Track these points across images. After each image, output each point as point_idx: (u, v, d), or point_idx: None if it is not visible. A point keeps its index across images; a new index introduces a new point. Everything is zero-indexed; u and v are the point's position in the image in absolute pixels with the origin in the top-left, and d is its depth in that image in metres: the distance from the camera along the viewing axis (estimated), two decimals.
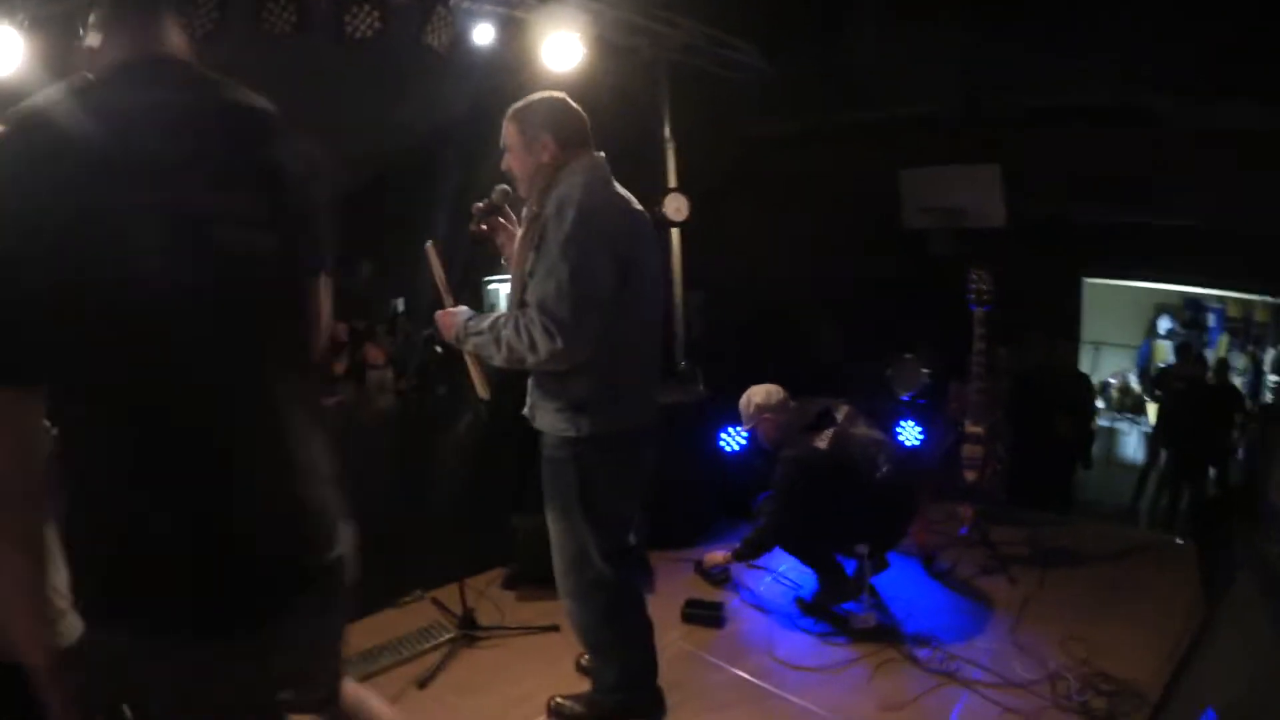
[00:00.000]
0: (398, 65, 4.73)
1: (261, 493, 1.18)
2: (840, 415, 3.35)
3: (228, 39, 3.52)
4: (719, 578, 3.67)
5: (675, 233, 5.01)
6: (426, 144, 7.68)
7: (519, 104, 2.31)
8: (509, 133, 2.30)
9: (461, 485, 3.88)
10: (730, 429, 4.36)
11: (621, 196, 2.31)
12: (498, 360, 2.23)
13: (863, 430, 3.34)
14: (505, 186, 2.42)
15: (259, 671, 1.19)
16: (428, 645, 3.23)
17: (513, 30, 4.23)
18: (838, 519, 3.17)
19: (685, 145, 5.10)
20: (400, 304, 11.05)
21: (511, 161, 2.32)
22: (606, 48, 4.54)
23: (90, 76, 1.15)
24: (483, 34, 4.10)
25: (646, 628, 2.52)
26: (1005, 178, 5.71)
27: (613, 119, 5.65)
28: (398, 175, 8.43)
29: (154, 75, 1.16)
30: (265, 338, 1.21)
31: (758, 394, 3.45)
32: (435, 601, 3.60)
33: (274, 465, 1.20)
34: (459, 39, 4.01)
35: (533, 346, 2.09)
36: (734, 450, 4.41)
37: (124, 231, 1.03)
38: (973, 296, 3.70)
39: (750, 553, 3.38)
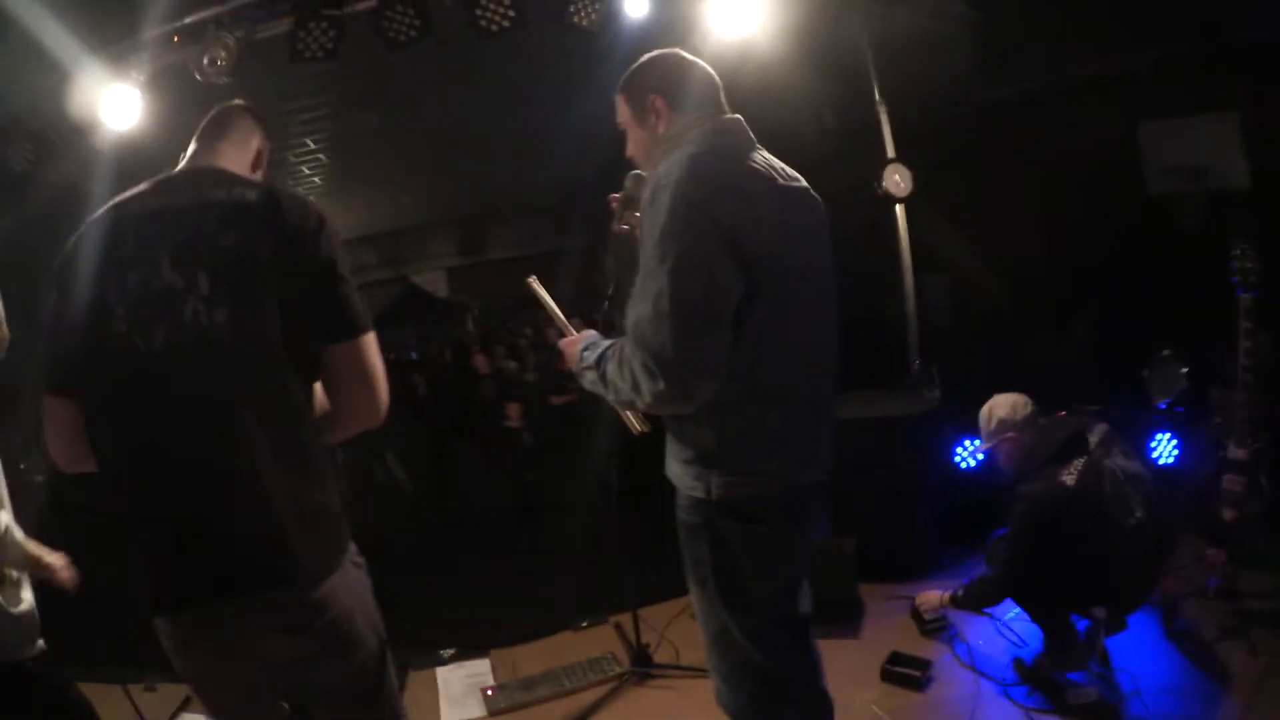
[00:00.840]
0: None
1: (221, 510, 1.41)
2: (1094, 439, 2.72)
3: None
4: (933, 627, 3.19)
5: (900, 210, 4.33)
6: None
7: (628, 71, 1.92)
8: (620, 107, 1.92)
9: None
10: (966, 441, 3.77)
11: (762, 171, 1.73)
12: (612, 401, 1.77)
13: (1119, 461, 2.69)
14: (639, 172, 1.95)
15: (219, 645, 1.46)
16: (594, 678, 3.07)
17: None
18: (1076, 574, 2.60)
19: (899, 111, 4.40)
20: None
21: (631, 143, 1.94)
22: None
23: (155, 179, 1.56)
24: (635, 6, 3.63)
25: (814, 715, 1.95)
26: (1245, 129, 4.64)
27: (810, 86, 5.16)
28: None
29: (182, 182, 1.58)
30: (238, 391, 1.41)
31: (1001, 406, 2.85)
32: (618, 628, 3.41)
33: (235, 494, 1.40)
34: (611, 14, 3.62)
35: (636, 387, 1.60)
36: (971, 467, 3.79)
37: (110, 300, 1.42)
38: (1238, 279, 2.90)
39: (972, 603, 2.90)
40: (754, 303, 1.60)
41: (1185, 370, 3.51)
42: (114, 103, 3.89)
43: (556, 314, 2.11)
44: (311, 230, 1.48)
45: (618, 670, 3.08)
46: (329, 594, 1.46)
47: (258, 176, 1.71)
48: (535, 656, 3.24)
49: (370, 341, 1.52)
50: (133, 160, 3.93)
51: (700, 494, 1.71)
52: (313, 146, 9.79)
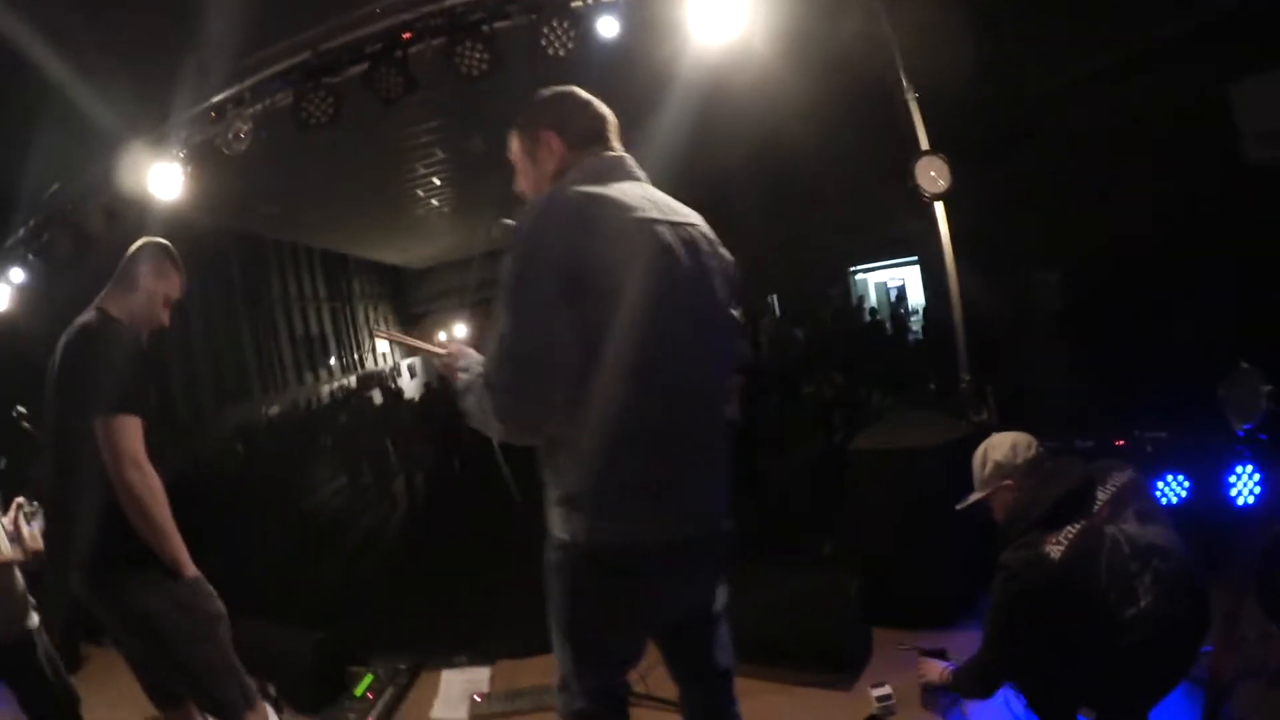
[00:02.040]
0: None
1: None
2: (1103, 496, 2.21)
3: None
4: (930, 700, 2.82)
5: (939, 207, 3.84)
6: None
7: (526, 106, 1.91)
8: (512, 142, 1.90)
9: None
10: None
11: (631, 208, 1.65)
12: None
13: (1129, 528, 2.16)
14: (508, 221, 1.79)
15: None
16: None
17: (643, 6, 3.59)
18: (1063, 669, 2.13)
19: (938, 97, 3.94)
20: (773, 303, 10.68)
21: (521, 181, 1.90)
22: None
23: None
24: (606, 26, 3.53)
25: None
26: None
27: (833, 77, 4.73)
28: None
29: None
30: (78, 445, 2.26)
31: (999, 448, 2.41)
32: None
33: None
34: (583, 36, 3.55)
35: (486, 423, 1.66)
36: None
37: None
38: None
39: (969, 687, 2.51)
40: (613, 343, 1.56)
41: (1270, 389, 2.83)
42: (159, 178, 4.22)
43: (421, 346, 2.12)
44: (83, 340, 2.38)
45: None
46: None
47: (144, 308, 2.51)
48: (535, 670, 3.38)
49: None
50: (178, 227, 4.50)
51: (566, 537, 1.65)
52: (422, 171, 10.31)
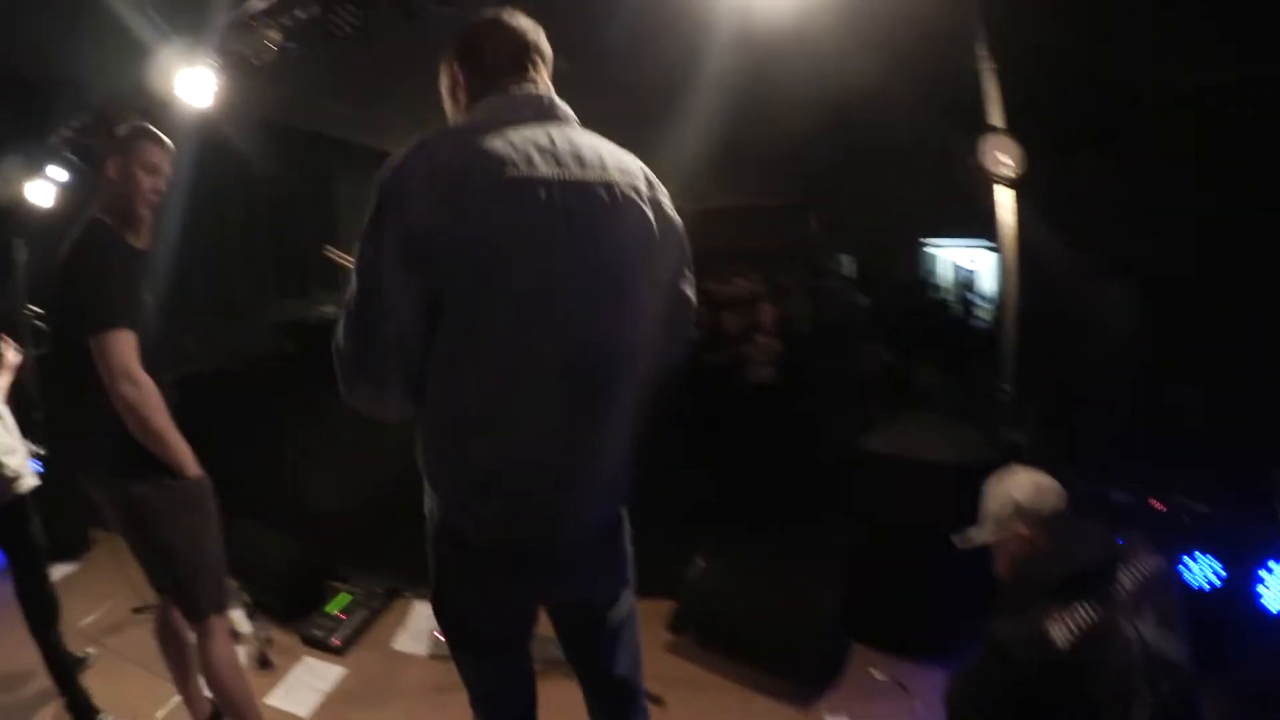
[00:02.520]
0: None
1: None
2: (1127, 583, 1.86)
3: None
4: None
5: (1007, 194, 3.42)
6: None
7: None
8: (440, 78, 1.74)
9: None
10: None
11: (514, 158, 1.44)
12: None
13: (1148, 629, 1.81)
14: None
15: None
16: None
17: None
18: None
19: (1023, 71, 3.43)
20: (846, 262, 10.20)
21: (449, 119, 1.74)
22: None
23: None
24: None
25: None
26: None
27: (920, 36, 4.24)
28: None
29: None
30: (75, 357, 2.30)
31: (1023, 487, 2.13)
32: None
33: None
34: None
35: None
36: None
37: None
38: None
39: None
40: (453, 318, 1.43)
41: None
42: (191, 83, 4.15)
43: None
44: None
45: (557, 656, 2.93)
46: None
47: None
48: None
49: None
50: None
51: (426, 510, 1.66)
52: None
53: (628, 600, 1.80)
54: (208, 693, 2.76)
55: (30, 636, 3.15)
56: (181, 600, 2.60)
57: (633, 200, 1.54)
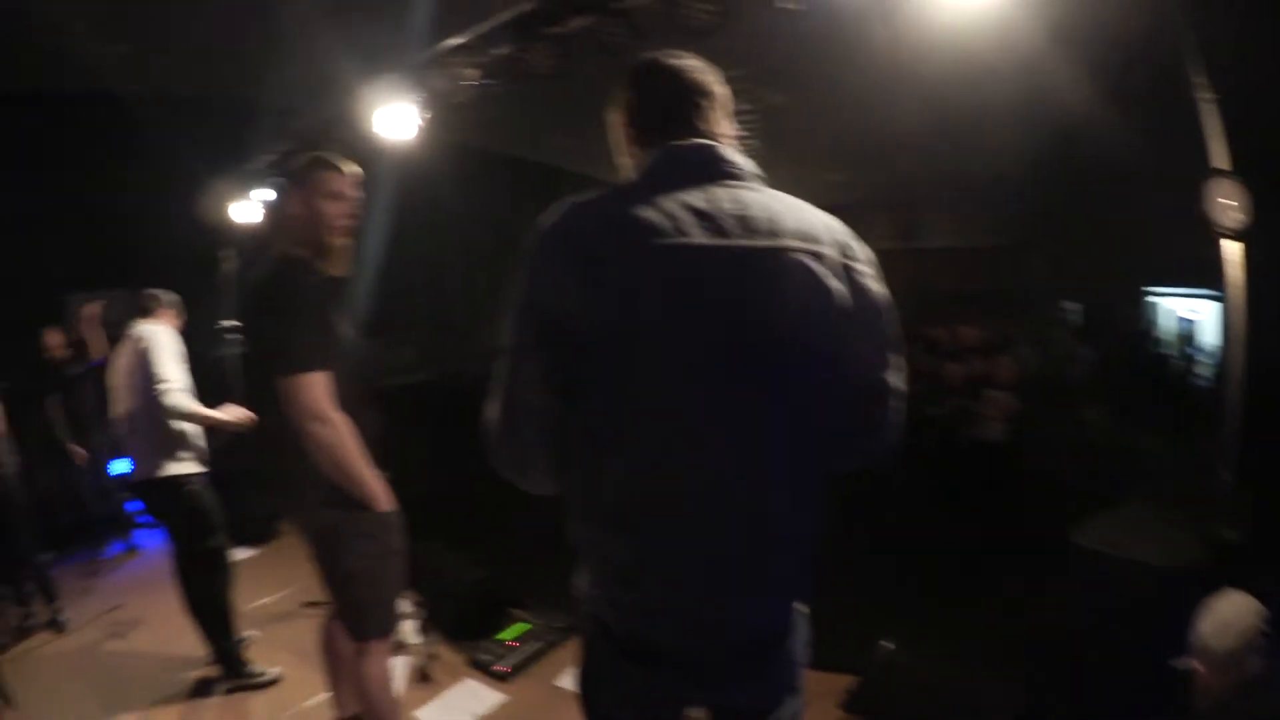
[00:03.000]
0: None
1: None
2: None
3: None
4: None
5: (1235, 247, 3.02)
6: None
7: None
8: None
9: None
10: None
11: (651, 228, 1.32)
12: None
13: None
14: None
15: None
16: None
17: None
18: None
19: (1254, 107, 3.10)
20: (1070, 309, 9.73)
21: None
22: None
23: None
24: None
25: None
26: None
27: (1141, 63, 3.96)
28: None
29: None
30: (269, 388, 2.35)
31: (1236, 612, 1.95)
32: None
33: None
34: None
35: None
36: None
37: None
38: None
39: None
40: (592, 403, 1.34)
41: None
42: (392, 117, 4.52)
43: None
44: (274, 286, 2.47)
45: None
46: None
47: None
48: None
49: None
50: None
51: (576, 585, 1.54)
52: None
53: (791, 707, 1.58)
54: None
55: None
56: (349, 620, 2.67)
57: (810, 270, 1.35)
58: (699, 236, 1.32)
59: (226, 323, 6.34)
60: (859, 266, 1.42)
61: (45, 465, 6.12)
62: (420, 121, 4.54)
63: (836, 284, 1.38)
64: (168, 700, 3.76)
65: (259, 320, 2.50)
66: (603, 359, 1.31)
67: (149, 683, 3.92)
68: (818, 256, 1.37)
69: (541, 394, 1.35)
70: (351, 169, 2.60)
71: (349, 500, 2.45)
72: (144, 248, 6.80)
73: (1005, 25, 3.42)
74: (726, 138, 1.50)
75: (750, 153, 1.50)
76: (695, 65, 1.51)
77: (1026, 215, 10.02)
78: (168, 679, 3.94)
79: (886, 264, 1.49)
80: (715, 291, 1.31)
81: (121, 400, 3.83)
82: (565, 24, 3.78)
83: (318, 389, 2.33)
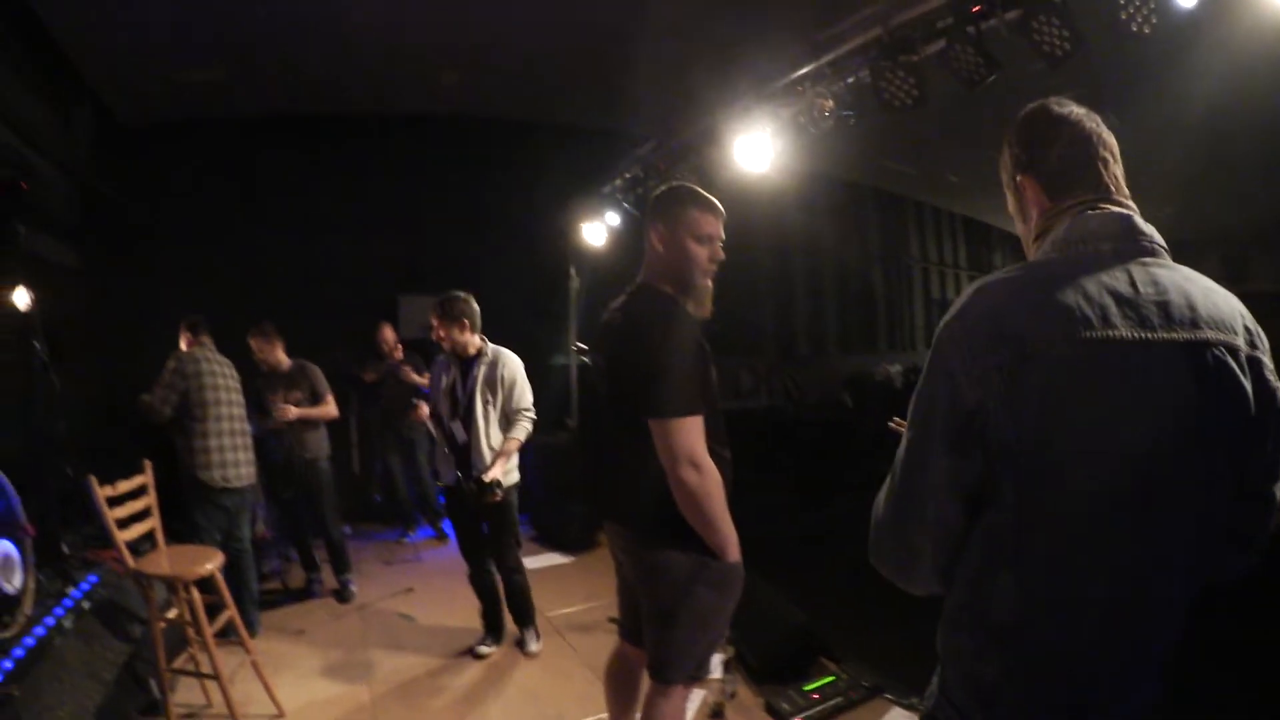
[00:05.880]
0: None
1: None
2: None
3: None
4: None
5: None
6: None
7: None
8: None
9: None
10: None
11: (1077, 318, 1.20)
12: None
13: None
14: None
15: None
16: None
17: None
18: None
19: None
20: None
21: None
22: None
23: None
24: None
25: None
26: None
27: None
28: None
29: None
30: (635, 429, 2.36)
31: None
32: None
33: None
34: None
35: None
36: None
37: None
38: None
39: None
40: (995, 512, 1.24)
41: None
42: (747, 148, 4.69)
43: None
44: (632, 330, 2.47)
45: None
46: None
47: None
48: None
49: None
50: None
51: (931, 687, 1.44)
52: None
53: None
54: None
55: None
56: (661, 660, 2.57)
57: (1228, 368, 1.21)
58: (1122, 328, 1.19)
59: (580, 345, 6.89)
60: (1264, 358, 1.27)
61: (366, 448, 7.10)
62: (774, 150, 4.66)
63: (1248, 382, 1.23)
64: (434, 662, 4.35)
65: (629, 354, 2.41)
66: (1015, 470, 1.20)
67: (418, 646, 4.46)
68: (1231, 350, 1.22)
69: (946, 498, 1.27)
70: (720, 210, 2.55)
71: (698, 545, 2.40)
72: (495, 259, 7.74)
73: None
74: (1129, 200, 1.36)
75: None
76: (1087, 111, 1.39)
77: None
78: (439, 645, 4.52)
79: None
80: (1139, 395, 1.19)
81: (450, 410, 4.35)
82: (920, 51, 3.75)
83: (695, 434, 2.29)
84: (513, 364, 4.35)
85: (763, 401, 10.81)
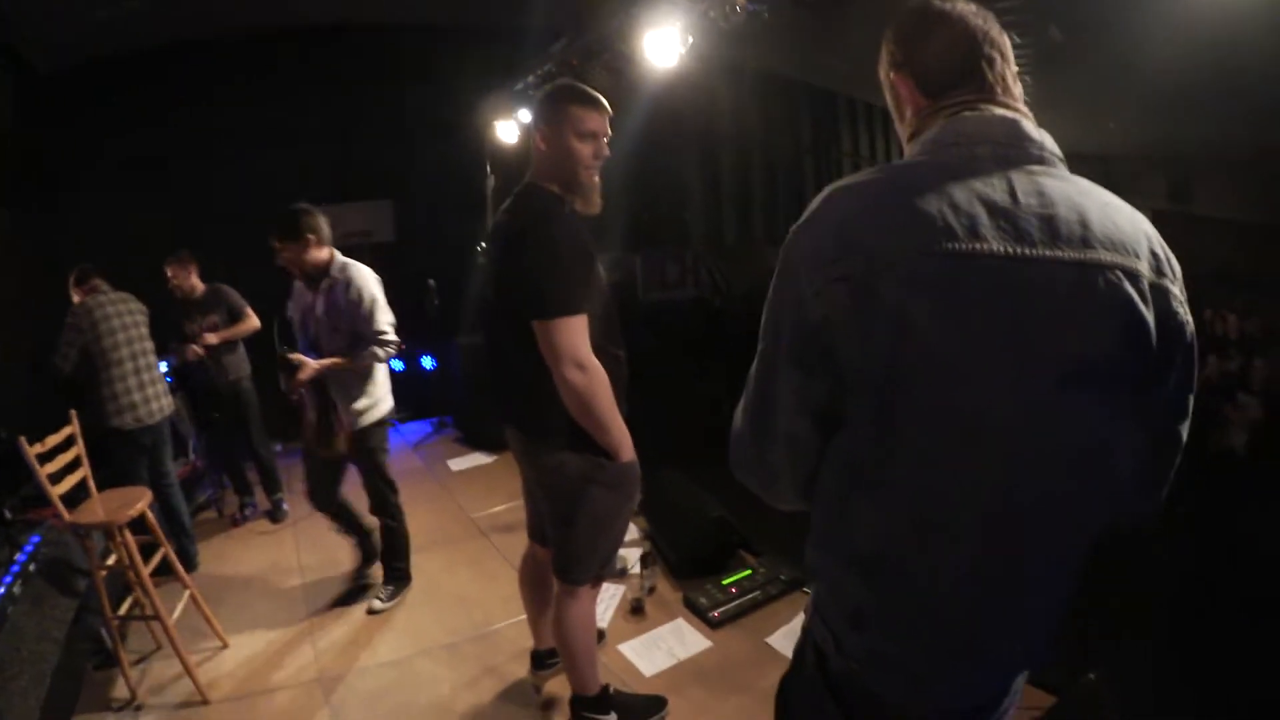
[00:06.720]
0: None
1: None
2: None
3: None
4: None
5: None
6: None
7: None
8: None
9: None
10: None
11: (940, 228, 1.08)
12: None
13: None
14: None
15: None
16: None
17: None
18: None
19: None
20: None
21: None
22: None
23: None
24: None
25: None
26: None
27: None
28: None
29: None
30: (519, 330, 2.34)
31: None
32: None
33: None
34: None
35: None
36: None
37: None
38: None
39: None
40: (851, 435, 1.18)
41: None
42: (656, 42, 4.61)
43: None
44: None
45: None
46: None
47: None
48: None
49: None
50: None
51: (808, 601, 1.41)
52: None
53: None
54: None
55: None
56: (563, 562, 2.64)
57: (1123, 293, 1.09)
58: (993, 241, 1.06)
59: (482, 246, 6.90)
60: (1171, 286, 1.15)
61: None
62: (685, 46, 4.59)
63: (1148, 310, 1.10)
64: (348, 599, 4.31)
65: (511, 257, 2.36)
66: (865, 389, 1.12)
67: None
68: (1129, 274, 1.10)
69: (796, 417, 1.21)
70: (605, 106, 2.48)
71: (591, 446, 2.44)
72: (412, 166, 7.68)
73: None
74: (1021, 103, 1.24)
75: (1025, 89, 1.29)
76: (974, 9, 1.27)
77: None
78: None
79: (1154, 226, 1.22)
80: (1007, 314, 1.07)
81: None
82: None
83: (579, 334, 2.30)
84: (360, 279, 3.73)
85: (690, 293, 10.93)
